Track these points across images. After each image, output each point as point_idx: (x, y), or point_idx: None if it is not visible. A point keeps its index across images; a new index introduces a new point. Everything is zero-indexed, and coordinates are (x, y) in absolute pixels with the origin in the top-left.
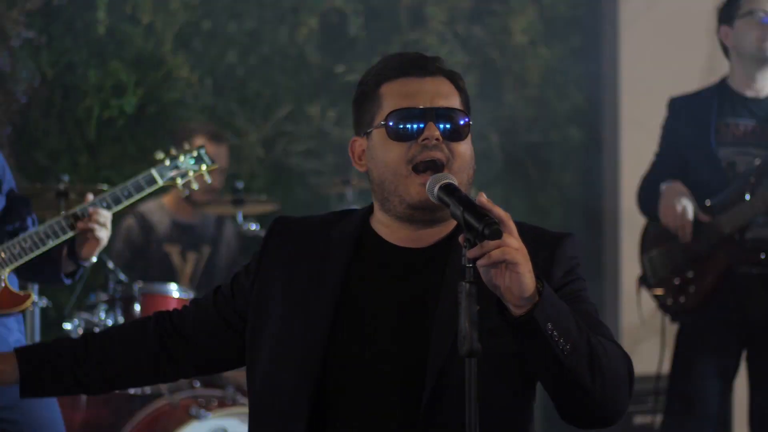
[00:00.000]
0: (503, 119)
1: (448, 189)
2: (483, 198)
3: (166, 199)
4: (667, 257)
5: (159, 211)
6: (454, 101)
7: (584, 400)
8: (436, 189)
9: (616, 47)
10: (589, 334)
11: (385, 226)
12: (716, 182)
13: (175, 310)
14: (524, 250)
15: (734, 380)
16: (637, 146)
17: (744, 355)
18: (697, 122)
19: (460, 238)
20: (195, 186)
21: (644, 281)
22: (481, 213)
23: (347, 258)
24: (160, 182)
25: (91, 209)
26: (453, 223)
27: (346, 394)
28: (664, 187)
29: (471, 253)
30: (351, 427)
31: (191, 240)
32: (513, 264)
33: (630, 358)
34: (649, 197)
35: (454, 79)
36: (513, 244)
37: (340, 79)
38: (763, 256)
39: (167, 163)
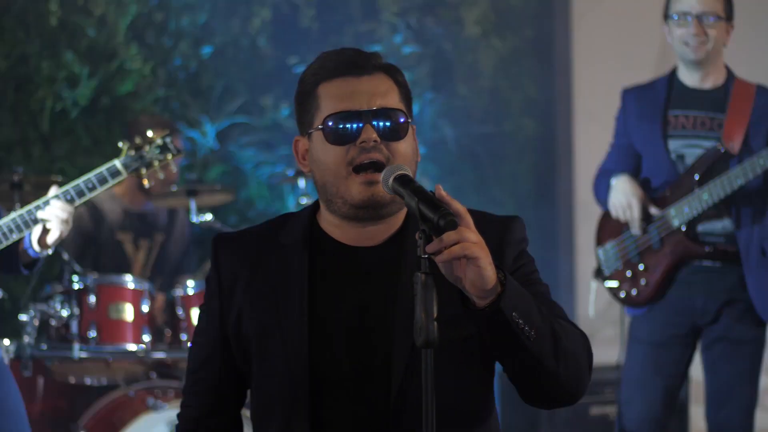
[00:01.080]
0: (456, 111)
1: (403, 180)
2: (441, 191)
3: (117, 189)
4: (620, 249)
5: (109, 200)
6: (393, 98)
7: (549, 382)
8: (390, 180)
9: (569, 38)
10: (551, 318)
11: (335, 227)
12: (665, 174)
13: (198, 408)
14: (483, 243)
15: (687, 371)
16: (591, 137)
17: (699, 345)
18: (647, 114)
19: (417, 235)
20: (161, 175)
21: (599, 273)
22: (436, 204)
23: (305, 265)
24: (125, 174)
25: (53, 201)
26: (401, 217)
27: (336, 402)
28: (614, 181)
29: (430, 248)
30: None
31: (144, 228)
32: (473, 258)
33: (587, 337)
34: (601, 187)
35: (392, 73)
36: (471, 238)
37: (293, 71)
38: (708, 249)
39: (132, 153)
